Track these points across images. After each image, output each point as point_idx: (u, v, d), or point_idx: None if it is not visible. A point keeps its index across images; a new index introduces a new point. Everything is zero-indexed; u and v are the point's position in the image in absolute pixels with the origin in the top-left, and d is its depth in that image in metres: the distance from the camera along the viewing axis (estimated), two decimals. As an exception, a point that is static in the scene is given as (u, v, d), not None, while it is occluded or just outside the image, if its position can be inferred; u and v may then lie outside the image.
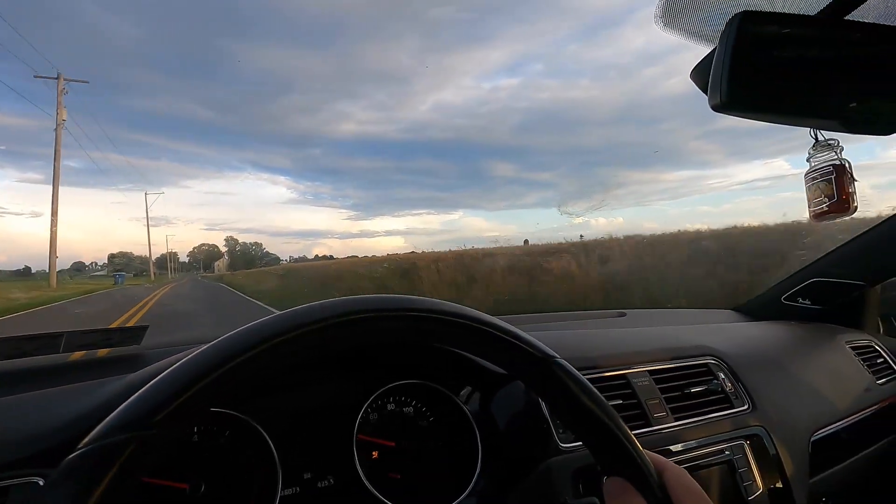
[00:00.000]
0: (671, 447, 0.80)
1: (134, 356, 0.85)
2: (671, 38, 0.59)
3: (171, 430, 0.32)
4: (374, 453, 0.69)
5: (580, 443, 0.71)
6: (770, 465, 0.88)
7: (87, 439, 0.31)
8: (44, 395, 0.59)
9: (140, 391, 0.34)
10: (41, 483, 0.47)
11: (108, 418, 0.32)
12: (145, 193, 46.69)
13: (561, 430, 0.72)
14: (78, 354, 0.85)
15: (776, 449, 0.89)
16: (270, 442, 0.62)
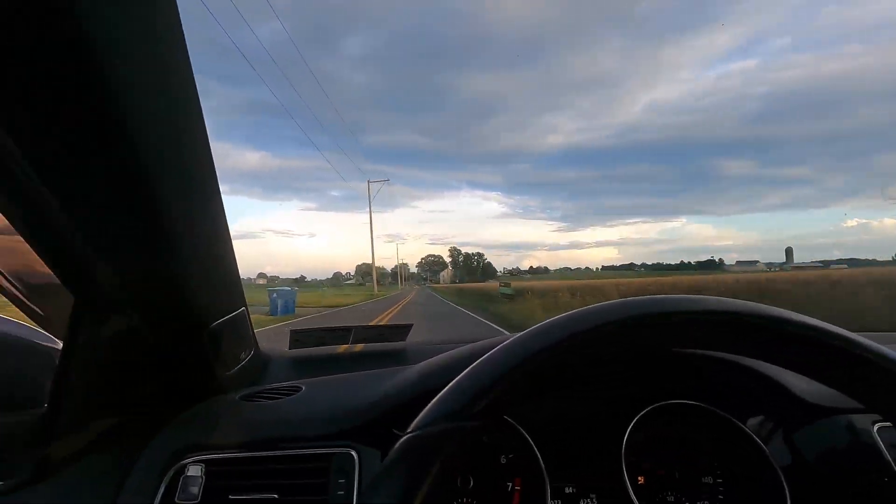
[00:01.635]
0: None
1: (400, 350, 0.96)
2: None
3: (486, 420, 0.34)
4: (640, 478, 0.62)
5: None
6: None
7: (414, 424, 0.34)
8: (348, 379, 0.71)
9: (456, 383, 0.36)
10: (353, 454, 0.55)
11: (429, 407, 0.35)
12: (368, 182, 41.75)
13: None
14: (358, 346, 1.01)
15: None
16: (536, 449, 0.60)
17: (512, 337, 0.40)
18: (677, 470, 0.62)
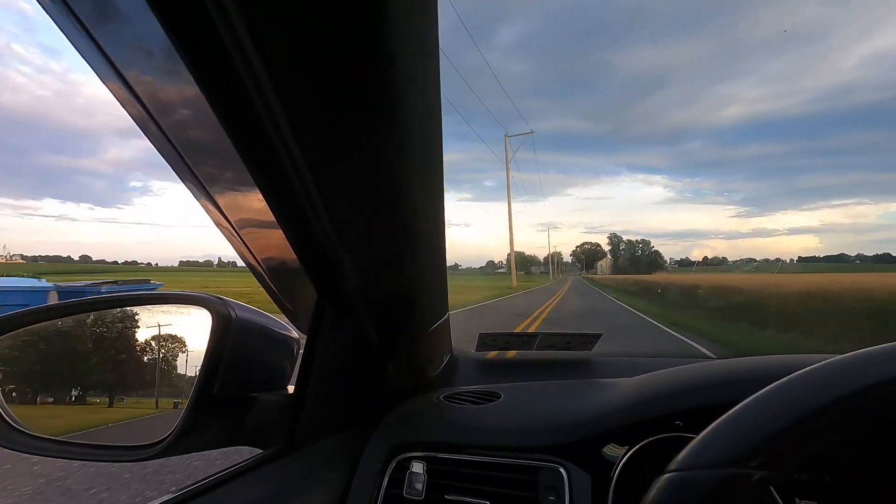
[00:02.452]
0: None
1: (584, 361, 0.91)
2: None
3: (784, 469, 0.27)
4: None
5: None
6: None
7: (682, 462, 0.29)
8: (545, 389, 0.70)
9: (741, 415, 0.30)
10: (562, 472, 0.54)
11: (702, 443, 0.30)
12: (505, 136, 35.58)
13: None
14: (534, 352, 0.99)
15: None
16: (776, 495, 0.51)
17: (827, 359, 0.31)
18: None
